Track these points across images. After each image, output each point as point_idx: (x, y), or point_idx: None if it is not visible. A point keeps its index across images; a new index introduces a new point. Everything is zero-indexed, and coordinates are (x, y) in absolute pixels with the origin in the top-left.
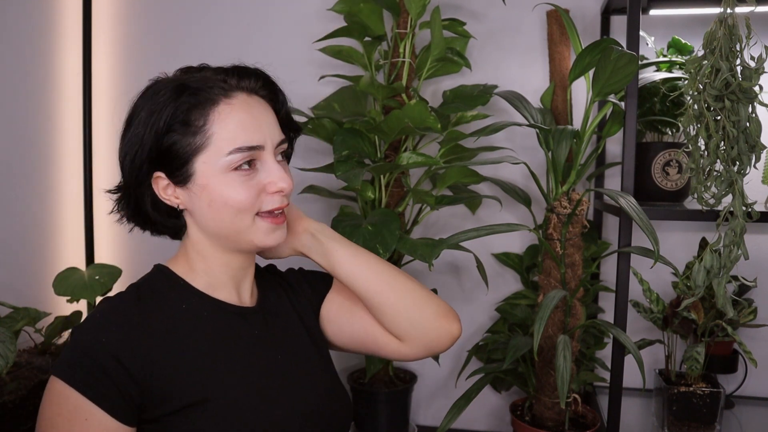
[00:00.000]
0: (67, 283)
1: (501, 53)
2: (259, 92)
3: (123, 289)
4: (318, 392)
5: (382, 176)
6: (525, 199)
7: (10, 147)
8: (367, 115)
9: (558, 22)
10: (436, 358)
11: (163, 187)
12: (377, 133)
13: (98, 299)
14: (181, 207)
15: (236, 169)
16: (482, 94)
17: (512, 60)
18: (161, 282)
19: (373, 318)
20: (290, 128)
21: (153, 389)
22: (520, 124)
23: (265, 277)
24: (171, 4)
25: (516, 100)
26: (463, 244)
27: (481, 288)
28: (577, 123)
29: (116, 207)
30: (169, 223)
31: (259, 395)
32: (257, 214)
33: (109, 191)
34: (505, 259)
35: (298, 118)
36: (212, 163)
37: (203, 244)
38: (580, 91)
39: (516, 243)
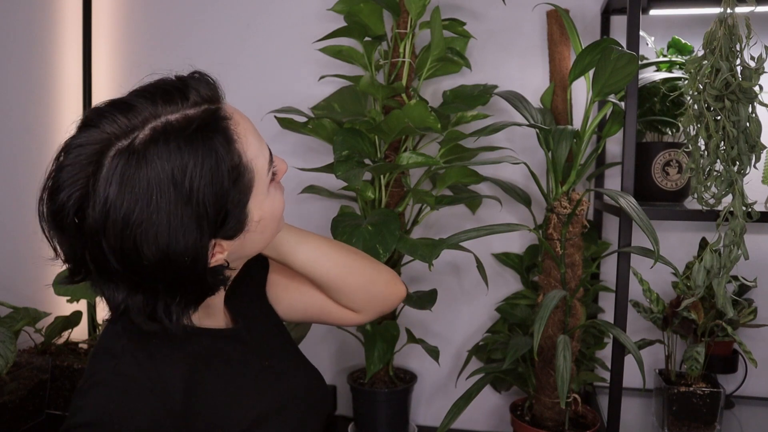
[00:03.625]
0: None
1: (501, 53)
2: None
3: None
4: (309, 379)
5: (382, 176)
6: (525, 199)
7: (10, 146)
8: (367, 115)
9: (558, 22)
10: (436, 358)
11: (218, 252)
12: (377, 133)
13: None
14: (228, 261)
15: (272, 179)
16: (482, 94)
17: (512, 60)
18: (149, 333)
19: (324, 294)
20: None
21: None
22: (520, 124)
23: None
24: (171, 4)
25: (516, 100)
26: (463, 244)
27: (481, 288)
28: (577, 123)
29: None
30: (208, 282)
31: (282, 409)
32: None
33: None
34: (505, 259)
35: (298, 119)
36: (260, 190)
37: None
38: (580, 91)
39: (516, 243)
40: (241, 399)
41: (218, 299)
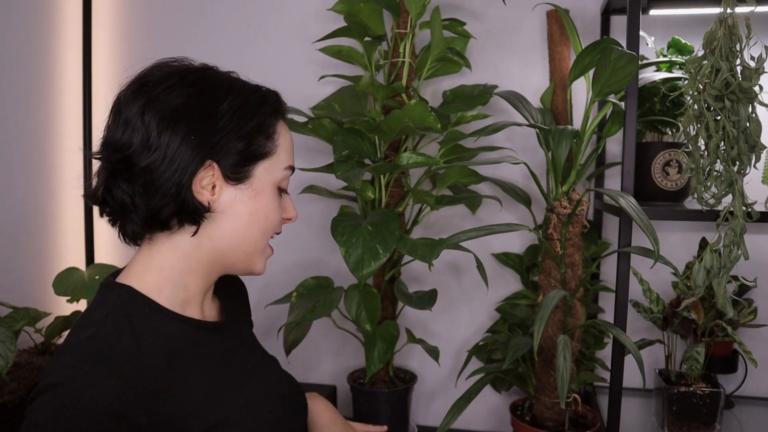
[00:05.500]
0: (67, 283)
1: (501, 53)
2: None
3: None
4: (287, 385)
5: (382, 176)
6: (525, 199)
7: (10, 147)
8: (367, 115)
9: (558, 22)
10: (436, 358)
11: (207, 178)
12: (377, 133)
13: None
14: (212, 205)
15: (281, 189)
16: (482, 94)
17: (512, 60)
18: (134, 308)
19: None
20: None
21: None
22: (520, 124)
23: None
24: (171, 4)
25: (516, 100)
26: (463, 244)
27: (481, 288)
28: (577, 123)
29: (102, 172)
30: (185, 212)
31: (256, 408)
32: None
33: (99, 155)
34: (505, 259)
35: (298, 119)
36: (272, 172)
37: (195, 258)
38: (580, 91)
39: (516, 243)
40: (215, 393)
41: (200, 289)
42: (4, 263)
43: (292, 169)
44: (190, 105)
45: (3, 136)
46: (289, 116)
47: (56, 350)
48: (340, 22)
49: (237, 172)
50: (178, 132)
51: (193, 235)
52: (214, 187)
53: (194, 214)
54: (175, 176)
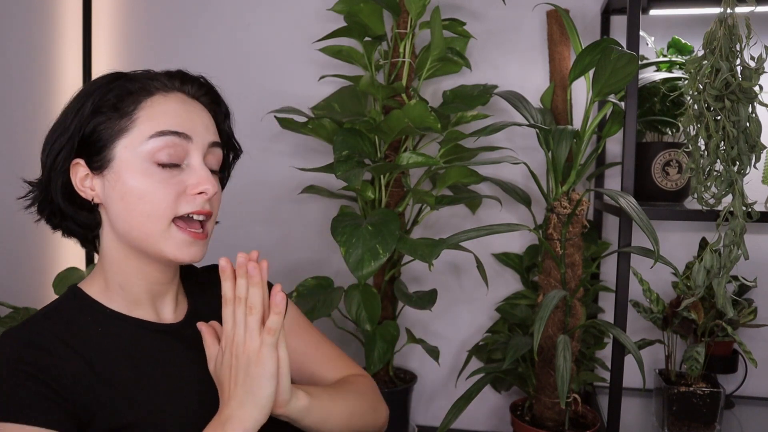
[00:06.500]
0: (67, 283)
1: (501, 53)
2: (200, 99)
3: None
4: None
5: (382, 176)
6: (525, 199)
7: (10, 146)
8: (367, 115)
9: (558, 22)
10: (436, 358)
11: (81, 176)
12: (377, 133)
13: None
14: (95, 200)
15: (159, 164)
16: (482, 94)
17: (512, 60)
18: (71, 305)
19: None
20: (229, 146)
21: (77, 412)
22: (520, 124)
23: (201, 279)
24: (171, 4)
25: (516, 100)
26: (463, 244)
27: (481, 288)
28: (577, 123)
29: (29, 195)
30: (80, 216)
31: (190, 417)
32: (173, 221)
33: (29, 182)
34: (505, 259)
35: (298, 119)
36: (133, 148)
37: (117, 249)
38: (580, 91)
39: (516, 243)
40: (136, 394)
41: (144, 289)
42: (4, 263)
43: (165, 134)
44: (58, 119)
45: (3, 136)
46: (290, 116)
47: None
48: (340, 22)
49: (96, 161)
50: (56, 142)
51: (101, 233)
52: (92, 181)
53: (88, 211)
54: (59, 180)
